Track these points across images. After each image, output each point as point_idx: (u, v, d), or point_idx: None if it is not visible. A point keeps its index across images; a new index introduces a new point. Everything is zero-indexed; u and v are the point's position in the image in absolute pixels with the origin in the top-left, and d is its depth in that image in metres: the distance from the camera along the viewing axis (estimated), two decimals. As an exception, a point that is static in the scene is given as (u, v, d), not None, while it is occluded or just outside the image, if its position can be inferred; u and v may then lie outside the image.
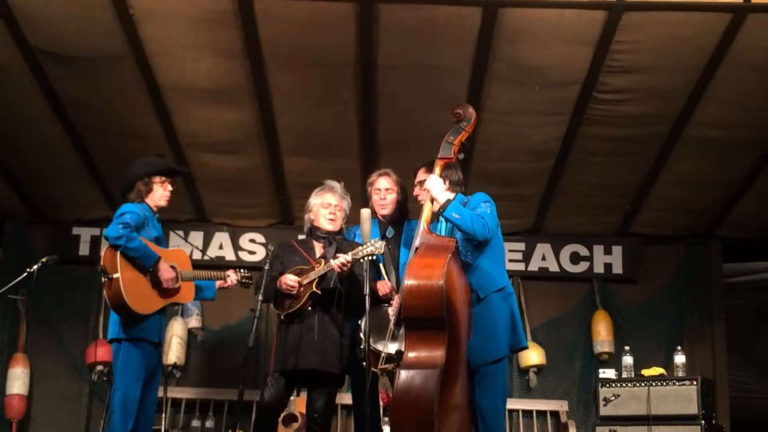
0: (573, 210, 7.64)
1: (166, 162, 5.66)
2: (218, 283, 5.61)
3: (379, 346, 4.84)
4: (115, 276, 5.07)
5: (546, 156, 6.91)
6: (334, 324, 5.06)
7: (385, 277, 5.28)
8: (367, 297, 4.76)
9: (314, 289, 4.97)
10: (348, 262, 4.89)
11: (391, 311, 4.95)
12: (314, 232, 5.30)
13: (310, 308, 5.02)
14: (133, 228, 5.14)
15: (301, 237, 5.44)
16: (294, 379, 5.14)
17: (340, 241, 5.25)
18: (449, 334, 4.32)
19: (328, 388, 5.09)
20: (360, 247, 4.88)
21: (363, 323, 4.82)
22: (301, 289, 5.00)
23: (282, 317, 5.09)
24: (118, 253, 5.11)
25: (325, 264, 4.98)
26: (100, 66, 6.00)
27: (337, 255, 4.95)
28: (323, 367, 4.98)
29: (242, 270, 5.69)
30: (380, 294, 5.17)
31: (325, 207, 5.26)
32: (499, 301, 4.62)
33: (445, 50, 5.87)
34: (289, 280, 5.01)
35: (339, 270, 4.91)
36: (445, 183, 4.73)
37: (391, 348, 4.73)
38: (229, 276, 5.58)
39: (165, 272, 5.22)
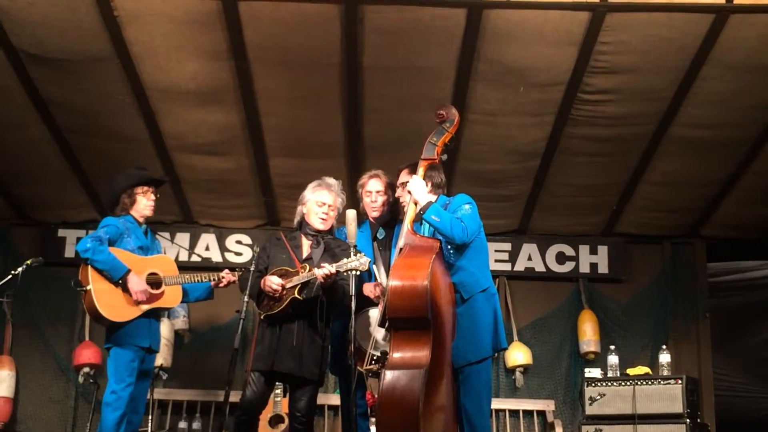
0: (559, 210, 7.66)
1: (146, 173, 5.71)
2: (212, 283, 5.63)
3: (365, 347, 4.84)
4: (87, 288, 5.22)
5: (531, 156, 6.93)
6: (314, 329, 5.03)
7: (378, 278, 5.26)
8: (353, 299, 4.74)
9: (296, 295, 4.93)
10: (332, 273, 4.85)
11: (377, 312, 4.95)
12: (304, 227, 5.27)
13: (290, 312, 4.98)
14: (105, 241, 5.25)
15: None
16: (274, 379, 5.14)
17: (329, 240, 5.22)
18: (434, 334, 4.33)
19: (309, 387, 5.06)
20: (345, 260, 4.81)
21: (349, 325, 4.82)
22: (284, 292, 4.97)
23: (262, 317, 5.08)
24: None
25: (308, 271, 4.92)
26: (84, 68, 5.98)
27: (322, 265, 4.89)
28: (299, 373, 4.96)
29: (239, 269, 5.63)
30: (372, 296, 5.15)
31: (319, 205, 5.20)
32: (482, 301, 4.64)
33: (430, 51, 5.87)
34: (273, 283, 4.97)
35: (322, 280, 4.88)
36: (427, 185, 4.74)
37: (378, 349, 4.74)
38: (224, 277, 5.58)
39: (134, 285, 5.26)
